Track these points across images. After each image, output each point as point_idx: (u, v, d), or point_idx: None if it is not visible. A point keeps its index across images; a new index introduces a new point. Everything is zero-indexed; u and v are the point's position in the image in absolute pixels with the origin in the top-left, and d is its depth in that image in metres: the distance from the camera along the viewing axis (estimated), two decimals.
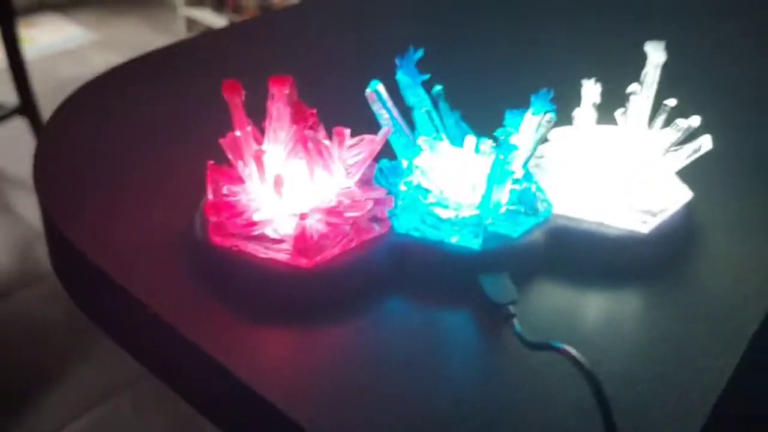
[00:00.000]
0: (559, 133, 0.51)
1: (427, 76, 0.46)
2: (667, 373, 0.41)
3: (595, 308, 0.47)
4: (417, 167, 0.47)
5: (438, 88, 0.48)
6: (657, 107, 0.51)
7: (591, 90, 0.49)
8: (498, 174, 0.44)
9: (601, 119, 0.52)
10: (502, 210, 0.47)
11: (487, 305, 0.44)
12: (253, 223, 0.43)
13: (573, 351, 0.38)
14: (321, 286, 0.44)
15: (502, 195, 0.46)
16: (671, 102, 0.51)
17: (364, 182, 0.48)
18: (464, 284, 0.45)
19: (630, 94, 0.51)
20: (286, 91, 0.44)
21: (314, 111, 0.44)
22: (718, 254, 0.51)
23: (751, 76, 0.78)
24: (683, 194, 0.52)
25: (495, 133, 0.44)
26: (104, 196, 0.53)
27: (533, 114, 0.45)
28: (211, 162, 0.45)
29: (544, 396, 0.40)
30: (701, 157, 0.50)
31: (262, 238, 0.44)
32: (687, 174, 0.53)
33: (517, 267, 0.46)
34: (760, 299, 0.47)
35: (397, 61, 0.46)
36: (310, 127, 0.42)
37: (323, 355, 0.41)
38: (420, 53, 0.46)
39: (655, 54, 0.50)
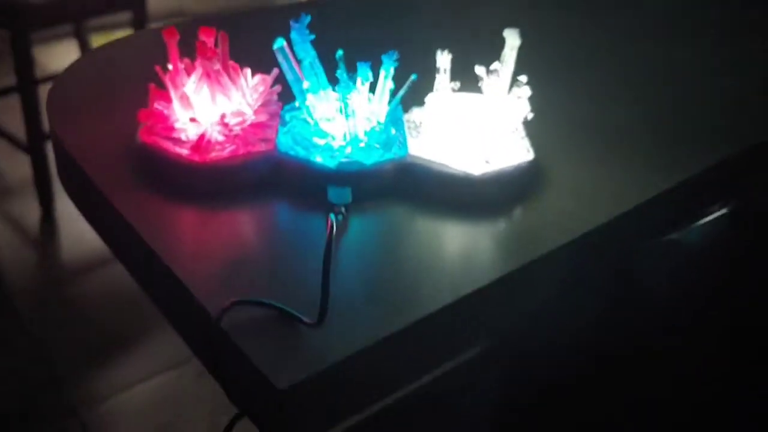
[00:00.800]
0: (432, 98, 0.67)
1: (312, 36, 0.63)
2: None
3: (416, 229, 0.61)
4: (305, 106, 0.64)
5: (339, 52, 0.65)
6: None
7: (443, 59, 0.64)
8: (343, 109, 0.60)
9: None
10: (362, 144, 0.63)
11: (328, 207, 0.60)
12: (170, 128, 0.62)
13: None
14: (211, 177, 0.61)
15: (354, 130, 0.62)
16: (523, 78, 0.65)
17: (271, 114, 0.65)
18: (321, 192, 0.61)
19: (492, 70, 0.66)
20: (212, 39, 0.63)
21: (216, 50, 0.62)
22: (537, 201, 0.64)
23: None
24: (525, 155, 0.66)
25: (336, 74, 0.60)
26: (93, 119, 0.73)
27: (383, 68, 0.61)
28: (152, 84, 0.64)
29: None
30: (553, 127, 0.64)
31: (176, 140, 0.62)
32: (541, 143, 0.67)
33: (365, 187, 0.62)
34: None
35: (291, 23, 0.63)
36: (208, 59, 0.60)
37: (213, 230, 0.58)
38: (308, 18, 0.63)
39: (512, 39, 0.65)
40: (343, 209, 0.59)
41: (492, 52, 0.67)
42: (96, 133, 0.69)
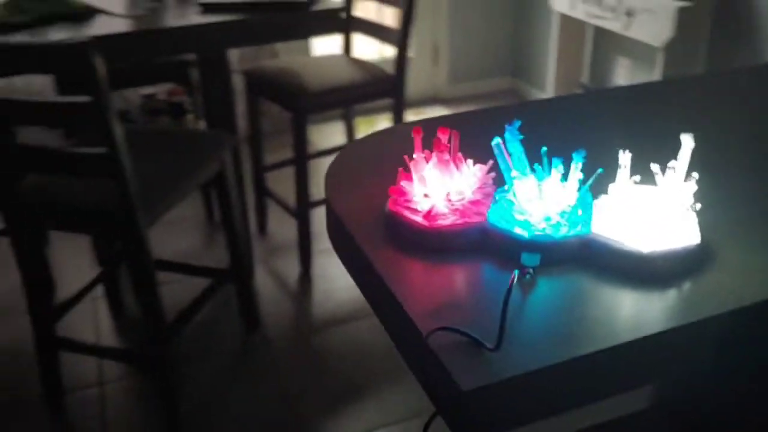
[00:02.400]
0: (614, 188, 0.86)
1: (521, 137, 0.85)
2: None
3: (592, 291, 0.80)
4: (512, 188, 0.86)
5: (544, 149, 0.87)
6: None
7: (624, 157, 0.83)
8: (539, 192, 0.82)
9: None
10: (553, 222, 0.83)
11: (520, 268, 0.81)
12: (410, 201, 0.87)
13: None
14: (436, 239, 0.85)
15: (550, 212, 0.83)
16: (695, 174, 0.83)
17: (485, 194, 0.88)
18: (518, 257, 0.83)
19: (670, 167, 0.84)
20: (446, 136, 0.88)
21: (447, 144, 0.86)
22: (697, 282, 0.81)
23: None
24: (693, 239, 0.82)
25: (535, 165, 0.82)
26: (357, 192, 1.01)
27: (573, 162, 0.82)
28: (401, 168, 0.90)
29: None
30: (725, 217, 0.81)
31: (413, 210, 0.87)
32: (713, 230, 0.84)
33: (552, 255, 0.82)
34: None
35: (506, 126, 0.86)
36: (441, 151, 0.85)
37: (436, 277, 0.82)
38: (519, 123, 0.85)
39: (687, 142, 0.83)
40: (531, 270, 0.80)
41: (668, 150, 0.85)
42: (359, 202, 0.96)
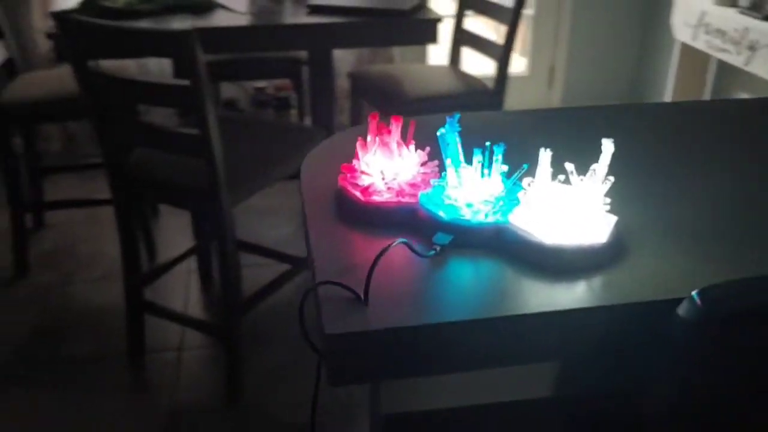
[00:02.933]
0: (527, 183, 0.92)
1: (459, 129, 0.93)
2: None
3: (490, 273, 0.87)
4: (444, 176, 0.94)
5: (487, 144, 0.94)
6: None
7: (544, 157, 0.89)
8: (458, 180, 0.90)
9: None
10: (475, 208, 0.91)
11: (435, 242, 0.90)
12: (356, 177, 0.98)
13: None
14: (370, 213, 0.95)
15: (474, 199, 0.91)
16: (611, 178, 0.88)
17: (425, 179, 0.97)
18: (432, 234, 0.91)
19: (591, 169, 0.89)
20: (398, 124, 0.98)
21: (389, 128, 0.96)
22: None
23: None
24: (600, 237, 0.87)
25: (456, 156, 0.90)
26: (326, 172, 1.12)
27: (495, 154, 0.90)
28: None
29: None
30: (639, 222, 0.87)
31: (357, 186, 0.97)
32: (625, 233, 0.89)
33: (465, 238, 0.90)
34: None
35: (446, 118, 0.94)
36: (382, 135, 0.95)
37: (356, 248, 0.92)
38: (458, 116, 0.94)
39: (608, 146, 0.88)
40: (437, 248, 0.88)
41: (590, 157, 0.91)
42: (324, 180, 1.07)
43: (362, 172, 0.96)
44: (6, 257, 2.71)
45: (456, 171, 0.91)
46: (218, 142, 1.88)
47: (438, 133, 0.94)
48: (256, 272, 2.54)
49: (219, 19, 2.38)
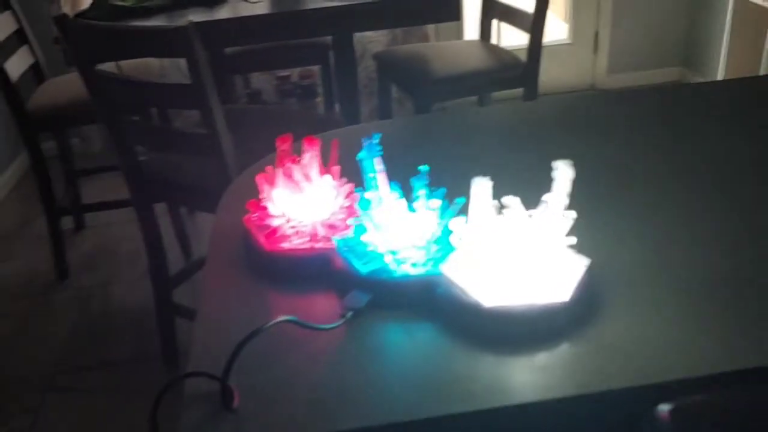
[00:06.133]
0: (455, 224, 0.66)
1: (380, 152, 0.68)
2: None
3: (413, 349, 0.63)
4: (366, 214, 0.70)
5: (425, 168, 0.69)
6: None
7: (482, 187, 0.63)
8: (372, 222, 0.65)
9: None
10: (399, 257, 0.66)
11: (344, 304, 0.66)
12: (264, 218, 0.74)
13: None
14: (277, 264, 0.72)
15: (399, 244, 0.66)
16: (572, 214, 0.62)
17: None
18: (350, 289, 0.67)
19: (543, 200, 0.63)
20: (313, 147, 0.73)
21: (296, 157, 0.71)
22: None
23: None
24: (561, 293, 0.61)
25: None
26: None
27: (415, 188, 0.65)
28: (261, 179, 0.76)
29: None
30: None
31: (264, 228, 0.74)
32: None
33: (386, 297, 0.66)
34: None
35: (363, 141, 0.69)
36: (286, 165, 0.70)
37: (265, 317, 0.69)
38: (378, 136, 0.69)
39: (564, 170, 0.62)
40: (349, 314, 0.64)
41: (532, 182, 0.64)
42: (237, 219, 0.84)
43: (271, 214, 0.72)
44: (47, 261, 2.60)
45: (368, 210, 0.67)
46: (228, 139, 1.68)
47: (358, 158, 0.70)
48: None
49: (235, 10, 2.17)
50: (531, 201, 0.64)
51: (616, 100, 1.15)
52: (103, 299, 2.45)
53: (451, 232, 0.67)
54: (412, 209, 0.68)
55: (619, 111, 1.09)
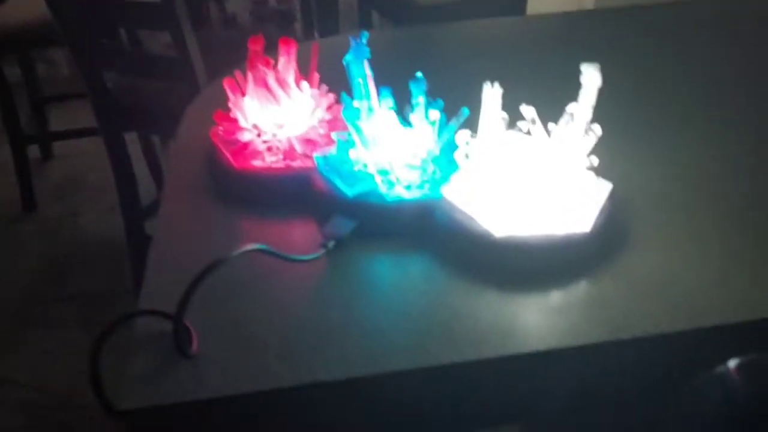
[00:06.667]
0: (462, 137, 0.55)
1: (368, 55, 0.57)
2: None
3: (408, 285, 0.52)
4: (354, 127, 0.58)
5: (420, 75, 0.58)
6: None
7: (491, 94, 0.52)
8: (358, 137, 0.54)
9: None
10: (392, 177, 0.56)
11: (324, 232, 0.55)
12: (232, 133, 0.63)
13: None
14: (246, 185, 0.61)
15: (392, 162, 0.55)
16: (597, 128, 0.51)
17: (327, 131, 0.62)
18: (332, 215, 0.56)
19: (568, 112, 0.52)
20: (290, 50, 0.62)
21: (270, 60, 0.60)
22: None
23: None
24: (581, 223, 0.51)
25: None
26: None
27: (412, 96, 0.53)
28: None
29: None
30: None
31: (233, 143, 0.62)
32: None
33: (374, 225, 0.55)
34: None
35: (351, 40, 0.58)
36: (258, 69, 0.59)
37: (229, 233, 0.58)
38: (366, 35, 0.57)
39: (593, 76, 0.51)
40: (330, 244, 0.54)
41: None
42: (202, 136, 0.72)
43: (241, 127, 0.61)
44: (13, 191, 2.46)
45: (356, 121, 0.55)
46: (200, 63, 1.56)
47: (345, 62, 0.58)
48: None
49: None
50: (544, 116, 0.53)
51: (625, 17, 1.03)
52: (73, 231, 2.33)
53: (453, 149, 0.56)
54: (404, 124, 0.57)
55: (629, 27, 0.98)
